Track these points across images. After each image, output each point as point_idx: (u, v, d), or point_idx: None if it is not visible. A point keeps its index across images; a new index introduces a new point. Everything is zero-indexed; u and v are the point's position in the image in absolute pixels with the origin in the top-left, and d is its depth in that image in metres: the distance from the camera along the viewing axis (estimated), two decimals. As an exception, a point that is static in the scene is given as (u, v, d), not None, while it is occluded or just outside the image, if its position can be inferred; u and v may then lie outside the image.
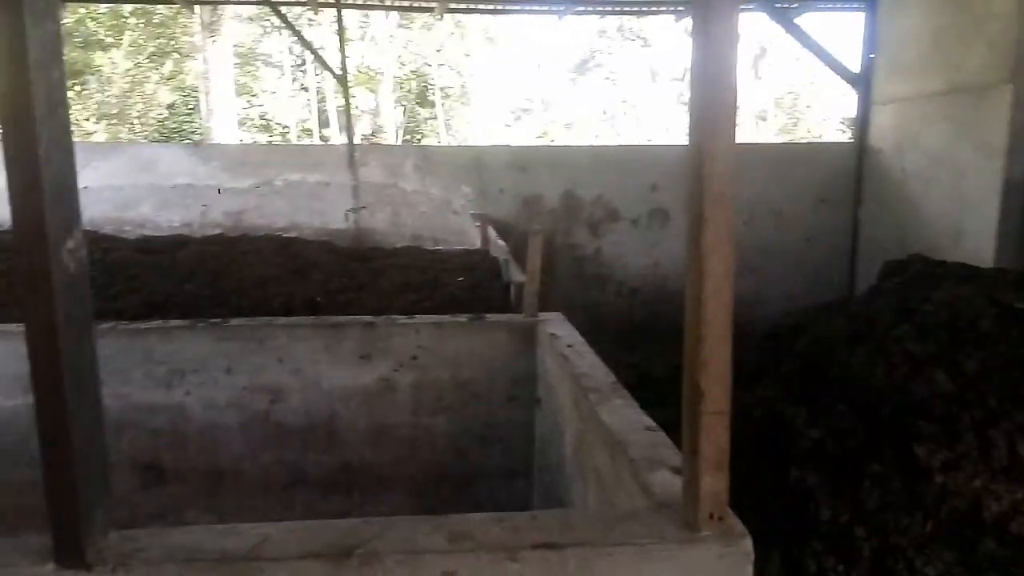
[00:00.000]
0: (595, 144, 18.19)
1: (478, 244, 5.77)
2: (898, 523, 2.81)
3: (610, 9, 8.71)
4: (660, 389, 2.39)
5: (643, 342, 6.18)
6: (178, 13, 15.06)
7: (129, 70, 16.30)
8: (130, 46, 16.38)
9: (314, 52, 8.87)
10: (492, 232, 5.71)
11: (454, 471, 3.13)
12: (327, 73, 8.61)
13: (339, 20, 7.36)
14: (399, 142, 19.70)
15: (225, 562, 1.45)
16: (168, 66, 17.33)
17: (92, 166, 6.40)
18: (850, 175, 6.84)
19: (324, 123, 20.49)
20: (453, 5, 7.80)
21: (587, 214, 6.77)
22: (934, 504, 2.82)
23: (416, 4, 8.30)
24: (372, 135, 19.78)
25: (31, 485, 1.37)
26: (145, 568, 1.43)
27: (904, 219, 6.21)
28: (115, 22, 16.10)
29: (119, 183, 6.57)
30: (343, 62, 7.10)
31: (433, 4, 7.71)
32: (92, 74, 16.08)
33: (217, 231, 6.36)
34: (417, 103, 22.38)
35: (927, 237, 5.92)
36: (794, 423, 3.23)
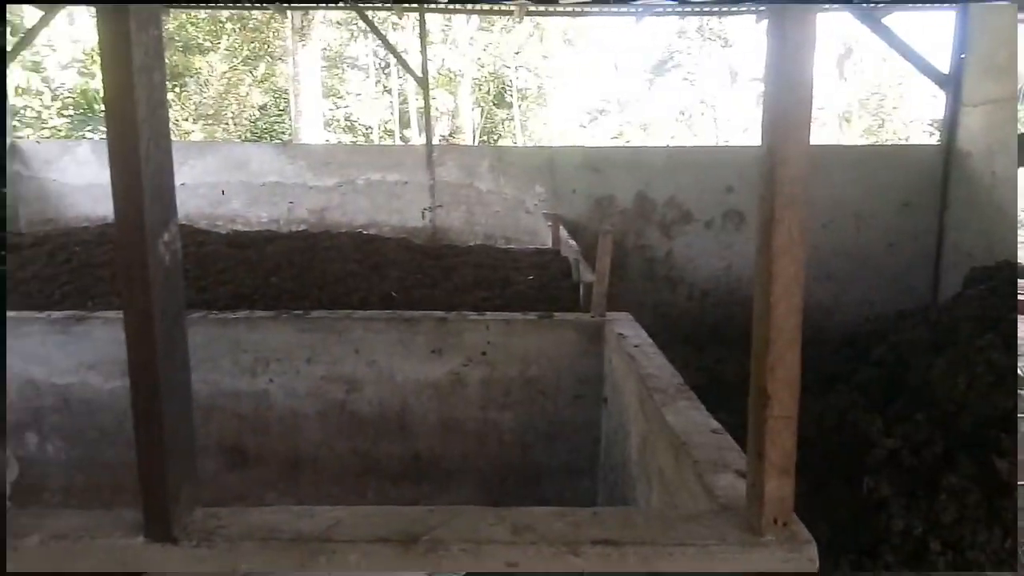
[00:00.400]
0: (669, 145, 17.89)
1: (549, 243, 5.77)
2: (975, 538, 2.68)
3: (689, 10, 8.57)
4: (729, 392, 2.34)
5: (714, 345, 6.06)
6: (271, 18, 15.58)
7: (225, 73, 16.94)
8: (226, 50, 17.02)
9: (397, 55, 9.03)
10: (563, 232, 5.70)
11: (520, 466, 3.14)
12: (409, 75, 8.74)
13: (421, 24, 7.48)
14: (476, 143, 19.85)
15: (299, 542, 1.50)
16: (261, 69, 17.93)
17: (189, 164, 6.69)
18: (936, 179, 6.54)
19: (405, 124, 20.83)
20: (532, 8, 7.82)
21: (659, 215, 6.67)
22: (1013, 520, 2.68)
23: (497, 7, 8.35)
24: (450, 136, 20.00)
25: (126, 464, 1.45)
26: (226, 544, 1.50)
27: (993, 225, 5.90)
28: (213, 27, 16.76)
29: (213, 180, 6.84)
30: (424, 65, 7.20)
31: (513, 7, 7.75)
32: (191, 77, 16.78)
33: (302, 227, 6.56)
34: (495, 104, 22.50)
35: (1016, 244, 5.61)
36: (869, 432, 3.12)
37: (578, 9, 7.90)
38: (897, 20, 8.29)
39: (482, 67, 21.52)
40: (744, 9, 7.97)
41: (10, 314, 3.60)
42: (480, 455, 3.23)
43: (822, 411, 3.42)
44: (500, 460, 3.22)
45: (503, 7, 8.07)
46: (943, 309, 4.52)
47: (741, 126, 21.86)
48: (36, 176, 6.82)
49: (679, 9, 8.53)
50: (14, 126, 8.04)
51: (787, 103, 1.40)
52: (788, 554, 1.46)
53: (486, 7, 8.56)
